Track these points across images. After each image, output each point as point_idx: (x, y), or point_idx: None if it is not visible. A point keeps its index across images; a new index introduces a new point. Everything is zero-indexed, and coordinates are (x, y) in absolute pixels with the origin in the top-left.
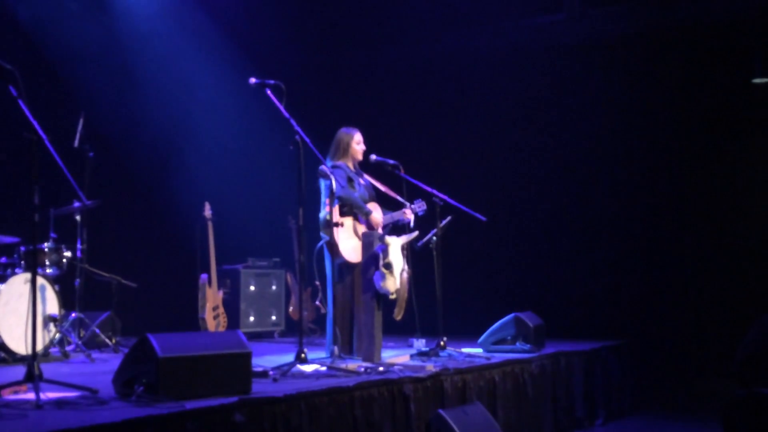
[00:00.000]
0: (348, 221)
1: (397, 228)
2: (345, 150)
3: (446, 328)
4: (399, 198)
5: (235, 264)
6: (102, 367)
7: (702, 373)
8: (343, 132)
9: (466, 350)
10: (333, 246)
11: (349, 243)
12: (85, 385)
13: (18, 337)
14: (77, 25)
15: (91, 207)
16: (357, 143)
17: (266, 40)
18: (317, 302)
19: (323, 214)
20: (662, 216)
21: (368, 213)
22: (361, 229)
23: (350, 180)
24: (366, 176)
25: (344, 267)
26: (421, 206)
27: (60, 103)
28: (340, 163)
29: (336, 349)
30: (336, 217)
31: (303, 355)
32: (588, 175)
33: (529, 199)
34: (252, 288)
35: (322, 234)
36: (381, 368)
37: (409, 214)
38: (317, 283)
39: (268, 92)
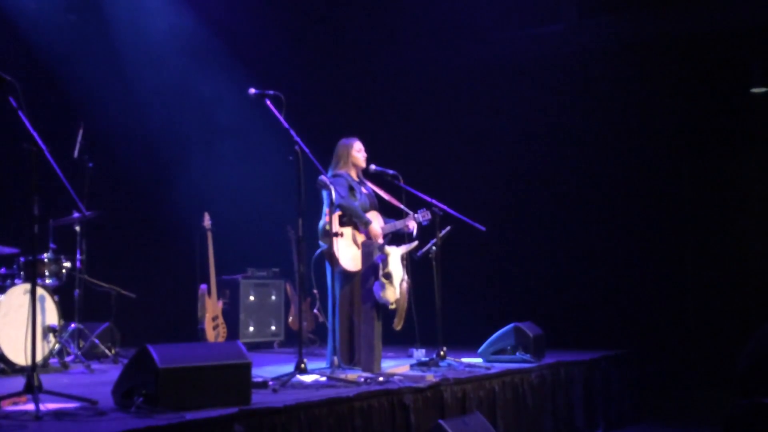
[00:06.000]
0: (347, 231)
1: (396, 237)
2: (345, 159)
3: (446, 338)
4: (402, 207)
5: (235, 274)
6: (101, 378)
7: (703, 382)
8: (342, 143)
9: (466, 360)
10: (331, 255)
11: (348, 252)
12: (85, 396)
13: (17, 347)
14: (77, 36)
15: (90, 218)
16: (357, 151)
17: (266, 50)
18: (315, 310)
19: (322, 223)
20: (662, 225)
21: (368, 223)
22: (361, 238)
23: (351, 189)
24: (369, 184)
25: (343, 276)
26: (425, 216)
27: (59, 114)
28: (341, 172)
29: (336, 359)
30: (336, 227)
31: (303, 366)
32: (587, 184)
33: (529, 208)
34: (251, 298)
35: (320, 242)
36: (381, 378)
37: (412, 224)
38: (315, 291)
39: (268, 103)
